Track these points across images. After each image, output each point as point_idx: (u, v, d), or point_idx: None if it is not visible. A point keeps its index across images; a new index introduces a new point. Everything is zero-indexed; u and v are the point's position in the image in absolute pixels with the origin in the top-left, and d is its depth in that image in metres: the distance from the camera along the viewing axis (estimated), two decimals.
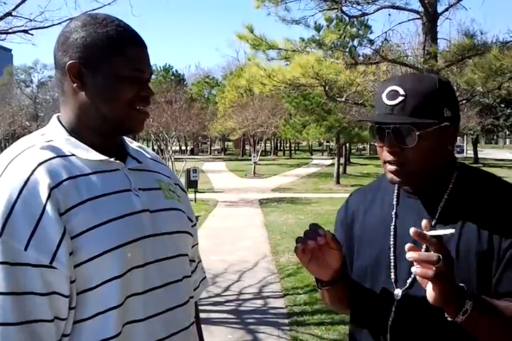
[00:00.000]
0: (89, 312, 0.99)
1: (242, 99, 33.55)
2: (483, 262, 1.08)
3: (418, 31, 8.64)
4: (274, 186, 20.13)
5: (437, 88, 1.12)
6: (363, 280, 1.24)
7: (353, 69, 7.19)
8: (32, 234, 0.94)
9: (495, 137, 75.20)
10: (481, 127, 31.87)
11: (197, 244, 1.33)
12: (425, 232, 0.94)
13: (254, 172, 25.78)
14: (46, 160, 1.01)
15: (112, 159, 1.10)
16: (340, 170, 22.73)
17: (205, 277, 1.39)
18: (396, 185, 1.25)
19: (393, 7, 7.08)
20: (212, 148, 60.84)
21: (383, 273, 1.19)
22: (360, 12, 7.33)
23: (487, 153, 48.93)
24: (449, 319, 0.99)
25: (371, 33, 7.96)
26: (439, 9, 6.79)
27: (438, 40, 6.87)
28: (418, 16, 6.90)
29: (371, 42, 7.75)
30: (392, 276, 1.17)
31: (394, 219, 1.22)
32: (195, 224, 1.30)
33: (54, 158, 1.03)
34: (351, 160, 35.39)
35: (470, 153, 40.49)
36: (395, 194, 1.25)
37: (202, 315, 1.52)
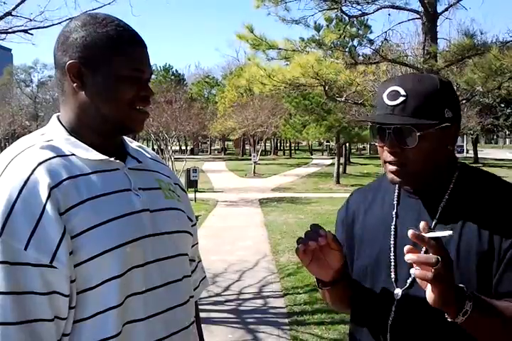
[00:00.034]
0: (89, 311, 0.99)
1: (242, 99, 33.56)
2: (483, 262, 1.08)
3: (418, 31, 8.63)
4: (274, 186, 20.13)
5: (438, 88, 1.12)
6: (363, 280, 1.24)
7: (352, 69, 7.19)
8: (32, 233, 0.94)
9: (495, 137, 75.20)
10: (480, 127, 31.84)
11: (197, 243, 1.33)
12: (423, 234, 0.94)
13: (254, 172, 25.78)
14: (46, 160, 1.01)
15: (112, 159, 1.10)
16: (340, 169, 22.73)
17: (205, 276, 1.39)
18: (396, 185, 1.25)
19: (393, 7, 7.08)
20: (212, 147, 60.82)
21: (383, 272, 1.19)
22: (359, 12, 7.33)
23: (487, 152, 48.92)
24: (449, 320, 0.99)
25: (371, 32, 7.98)
26: (439, 9, 6.79)
27: (438, 40, 6.87)
28: (418, 16, 6.89)
29: (371, 42, 7.76)
30: (393, 276, 1.17)
31: (394, 218, 1.22)
32: (195, 224, 1.30)
33: (54, 157, 1.03)
34: (351, 159, 35.37)
35: (470, 153, 40.50)
36: (396, 194, 1.25)
37: (202, 315, 1.52)
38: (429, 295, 0.96)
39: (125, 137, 1.22)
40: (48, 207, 0.96)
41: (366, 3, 7.19)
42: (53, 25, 5.87)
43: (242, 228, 10.23)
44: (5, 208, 0.94)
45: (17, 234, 0.94)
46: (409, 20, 7.43)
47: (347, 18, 7.53)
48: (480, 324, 1.01)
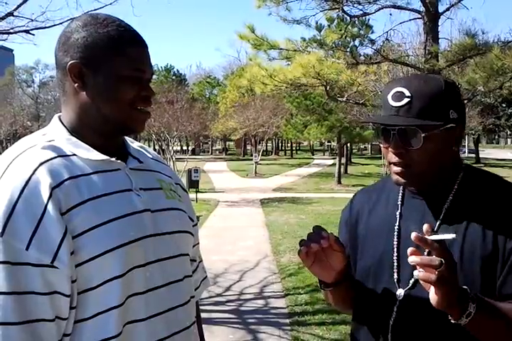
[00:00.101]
0: (90, 311, 0.99)
1: (243, 99, 33.57)
2: (487, 263, 1.08)
3: (419, 31, 8.65)
4: (276, 186, 20.13)
5: (443, 90, 1.12)
6: (366, 280, 1.24)
7: (354, 69, 7.19)
8: (33, 233, 0.94)
9: (496, 137, 75.11)
10: (482, 127, 31.84)
11: (198, 243, 1.33)
12: (427, 237, 0.94)
13: (256, 172, 25.79)
14: (47, 160, 1.01)
15: (113, 159, 1.09)
16: (342, 169, 22.73)
17: (206, 277, 1.39)
18: (401, 186, 1.24)
19: (394, 7, 7.08)
20: (214, 148, 60.85)
21: (386, 273, 1.19)
22: (361, 12, 7.33)
23: (488, 152, 48.88)
24: (453, 321, 0.99)
25: (372, 32, 7.99)
26: (441, 9, 6.78)
27: (439, 40, 6.87)
28: (419, 16, 6.89)
29: (372, 42, 7.76)
30: (395, 276, 1.17)
31: (398, 219, 1.21)
32: (196, 224, 1.30)
33: (55, 157, 1.03)
34: (352, 160, 35.38)
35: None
36: (400, 194, 1.25)
37: (203, 315, 1.52)
38: (433, 296, 0.96)
39: (126, 137, 1.22)
40: (50, 207, 0.96)
41: (367, 3, 7.19)
42: (55, 25, 5.87)
43: (243, 228, 10.23)
44: (6, 208, 0.94)
45: (18, 234, 0.93)
46: (410, 20, 7.44)
47: (348, 18, 7.54)
48: (483, 326, 1.01)
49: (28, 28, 5.92)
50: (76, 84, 1.07)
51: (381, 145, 1.19)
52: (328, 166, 32.31)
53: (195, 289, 1.29)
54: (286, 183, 21.42)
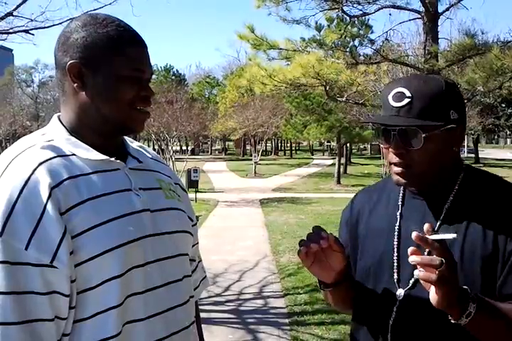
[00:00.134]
0: (89, 311, 0.99)
1: (242, 99, 33.56)
2: (487, 264, 1.08)
3: (419, 31, 8.67)
4: (275, 186, 20.13)
5: (444, 90, 1.12)
6: (366, 280, 1.24)
7: (353, 69, 7.20)
8: (33, 233, 0.94)
9: (496, 137, 75.16)
10: (481, 127, 31.85)
11: (197, 243, 1.33)
12: (427, 236, 0.94)
13: (255, 172, 25.79)
14: (47, 160, 1.01)
15: (113, 159, 1.09)
16: (341, 170, 22.74)
17: (205, 276, 1.39)
18: (402, 186, 1.24)
19: (394, 7, 7.08)
20: (213, 148, 60.87)
21: (386, 273, 1.19)
22: (360, 12, 7.34)
23: (488, 152, 48.90)
24: (453, 321, 0.99)
25: (372, 32, 7.98)
26: (440, 9, 6.79)
27: (439, 40, 6.88)
28: (419, 16, 6.90)
29: (372, 42, 7.77)
30: (395, 276, 1.17)
31: (398, 219, 1.21)
32: (195, 224, 1.30)
33: (54, 157, 1.03)
34: (352, 160, 35.37)
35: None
36: (401, 194, 1.25)
37: (202, 315, 1.52)
38: (433, 296, 0.96)
39: (126, 137, 1.22)
40: (49, 206, 0.96)
41: (367, 3, 7.20)
42: (54, 25, 5.88)
43: (243, 228, 10.23)
44: (6, 208, 0.94)
45: (18, 234, 0.93)
46: (410, 20, 7.45)
47: (348, 18, 7.54)
48: (483, 326, 1.01)
49: (27, 28, 5.93)
50: (75, 84, 1.07)
51: (381, 146, 1.19)
52: (327, 166, 32.32)
53: (195, 289, 1.29)
54: (286, 183, 21.42)
